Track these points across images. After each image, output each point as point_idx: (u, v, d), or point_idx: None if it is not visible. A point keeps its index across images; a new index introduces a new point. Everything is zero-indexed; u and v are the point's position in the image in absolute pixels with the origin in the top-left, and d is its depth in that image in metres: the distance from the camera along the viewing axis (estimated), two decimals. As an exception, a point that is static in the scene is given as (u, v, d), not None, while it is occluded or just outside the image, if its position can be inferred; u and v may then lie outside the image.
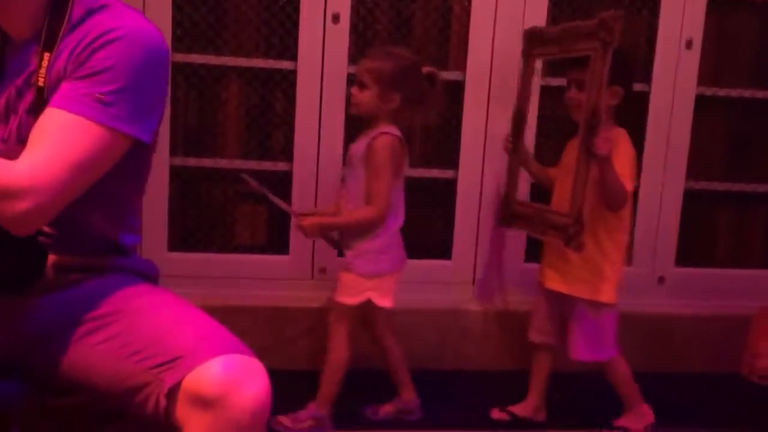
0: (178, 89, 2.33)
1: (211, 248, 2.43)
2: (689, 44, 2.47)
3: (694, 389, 2.46)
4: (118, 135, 1.13)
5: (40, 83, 1.15)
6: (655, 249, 2.58)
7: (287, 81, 2.37)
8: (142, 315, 1.16)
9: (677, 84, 2.50)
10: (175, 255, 2.37)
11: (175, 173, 2.36)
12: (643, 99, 2.50)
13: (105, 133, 1.11)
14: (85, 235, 1.24)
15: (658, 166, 2.54)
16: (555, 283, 2.07)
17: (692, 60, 2.49)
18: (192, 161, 2.38)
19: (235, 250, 2.45)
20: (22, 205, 1.06)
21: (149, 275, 1.33)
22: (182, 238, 2.39)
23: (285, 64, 2.36)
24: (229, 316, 2.27)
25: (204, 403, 1.04)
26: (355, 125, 2.38)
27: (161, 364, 1.09)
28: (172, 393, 1.07)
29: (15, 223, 1.09)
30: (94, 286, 1.23)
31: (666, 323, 2.57)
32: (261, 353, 2.23)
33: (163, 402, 1.07)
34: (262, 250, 2.46)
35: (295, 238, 2.41)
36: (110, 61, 1.11)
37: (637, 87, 2.49)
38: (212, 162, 2.39)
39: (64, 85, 1.12)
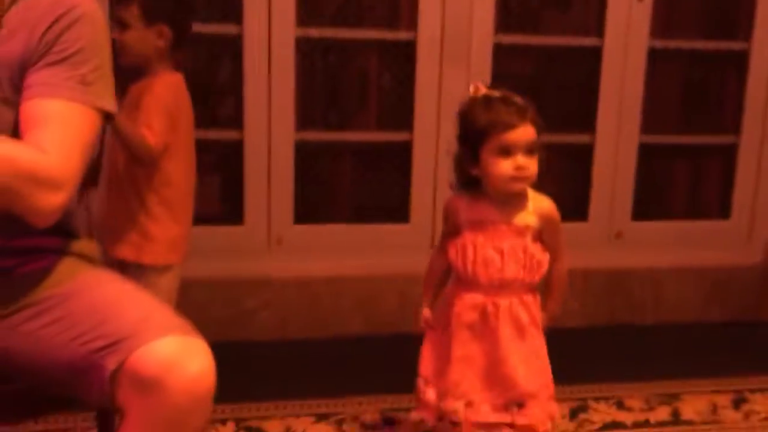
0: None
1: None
2: (641, -4, 2.45)
3: (653, 341, 2.49)
4: (101, 113, 1.15)
5: None
6: (612, 204, 2.59)
7: (233, 46, 2.30)
8: (83, 297, 1.13)
9: (629, 37, 2.48)
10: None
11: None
12: (596, 53, 2.48)
13: (95, 114, 1.14)
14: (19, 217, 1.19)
15: (613, 120, 2.53)
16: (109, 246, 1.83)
17: (644, 12, 2.47)
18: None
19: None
20: (58, 197, 1.08)
21: (90, 256, 1.28)
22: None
23: (230, 29, 2.29)
24: (185, 289, 2.25)
25: (144, 385, 1.02)
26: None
27: (103, 348, 1.06)
28: (115, 377, 1.04)
29: (46, 215, 1.09)
30: (33, 270, 1.18)
31: (624, 277, 2.60)
32: (219, 326, 2.23)
33: (107, 386, 1.05)
34: (217, 221, 2.41)
35: (249, 207, 2.36)
36: (81, 42, 1.12)
37: (590, 41, 2.49)
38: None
39: (43, 72, 1.11)
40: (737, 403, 2.10)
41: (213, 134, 2.34)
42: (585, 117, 2.55)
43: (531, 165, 1.48)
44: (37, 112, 1.10)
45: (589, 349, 2.40)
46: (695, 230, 2.68)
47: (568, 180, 2.59)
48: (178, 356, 1.03)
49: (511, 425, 1.53)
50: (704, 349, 2.46)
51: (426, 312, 1.64)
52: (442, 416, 1.57)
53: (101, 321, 1.08)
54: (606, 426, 1.98)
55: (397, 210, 2.48)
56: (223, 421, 1.91)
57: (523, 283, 1.54)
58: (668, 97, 2.63)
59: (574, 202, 2.58)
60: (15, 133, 1.12)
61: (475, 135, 1.50)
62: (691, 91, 2.65)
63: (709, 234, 2.68)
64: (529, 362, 1.54)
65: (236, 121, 2.34)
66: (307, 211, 2.44)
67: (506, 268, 1.51)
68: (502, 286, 1.52)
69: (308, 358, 2.28)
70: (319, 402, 2.02)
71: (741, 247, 2.69)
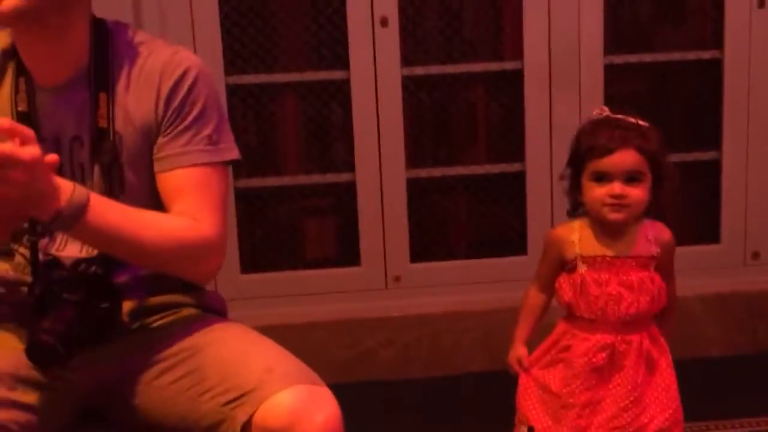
0: (234, 111, 2.33)
1: (284, 266, 2.43)
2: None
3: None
4: (229, 165, 1.24)
5: (102, 124, 1.15)
6: (745, 223, 2.44)
7: (341, 92, 2.34)
8: (212, 351, 1.16)
9: (752, 45, 2.35)
10: (248, 276, 2.38)
11: (241, 195, 2.36)
12: (716, 66, 2.36)
13: (226, 168, 1.23)
14: (155, 276, 1.24)
15: (740, 134, 2.39)
16: None
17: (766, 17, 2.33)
18: (255, 181, 2.38)
19: (307, 265, 2.44)
20: (218, 259, 1.19)
21: (216, 308, 1.32)
22: (253, 259, 2.40)
23: (337, 74, 2.33)
24: (306, 332, 2.29)
25: (273, 437, 1.02)
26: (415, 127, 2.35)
27: (232, 401, 1.09)
28: (245, 429, 1.06)
29: (209, 277, 1.25)
30: (165, 326, 1.23)
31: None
32: (341, 367, 2.24)
33: None
34: (334, 263, 2.44)
35: (365, 247, 2.38)
36: (200, 103, 1.18)
37: (708, 54, 2.37)
38: (276, 180, 2.39)
39: (176, 141, 1.17)
40: None
41: (328, 178, 2.38)
42: (709, 133, 2.42)
43: (632, 193, 1.41)
44: (180, 183, 1.17)
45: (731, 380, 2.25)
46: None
47: (695, 200, 2.46)
48: (305, 406, 1.04)
49: None
50: None
51: (523, 351, 1.55)
52: None
53: (229, 374, 1.11)
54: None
55: (514, 242, 2.43)
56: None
57: (649, 316, 1.46)
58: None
59: (703, 223, 2.44)
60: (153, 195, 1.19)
61: (576, 159, 1.46)
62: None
63: None
64: (660, 399, 1.45)
65: (348, 164, 2.37)
66: (424, 248, 2.43)
67: (638, 303, 1.44)
68: (630, 323, 1.45)
69: (435, 397, 2.25)
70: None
71: None
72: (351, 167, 2.36)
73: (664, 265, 1.49)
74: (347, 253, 2.42)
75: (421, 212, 2.42)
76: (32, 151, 0.93)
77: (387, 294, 2.40)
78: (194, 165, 1.16)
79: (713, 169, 2.42)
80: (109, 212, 1.05)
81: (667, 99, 2.44)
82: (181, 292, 1.27)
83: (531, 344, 1.57)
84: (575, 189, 1.48)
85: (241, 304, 2.02)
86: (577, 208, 1.51)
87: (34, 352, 1.07)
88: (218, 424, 1.09)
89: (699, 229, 2.44)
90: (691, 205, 2.44)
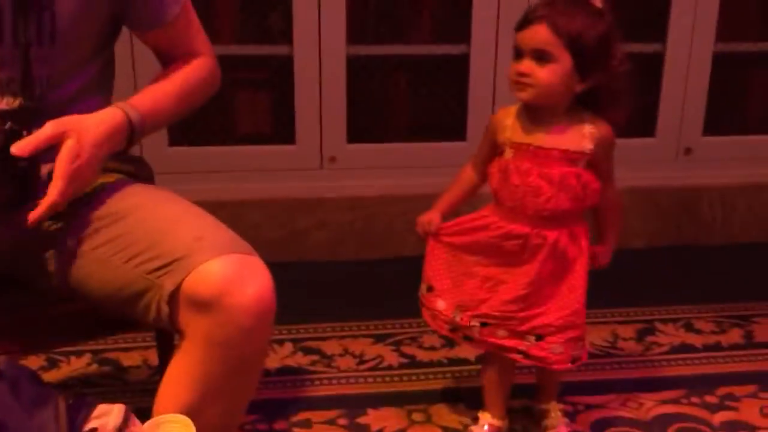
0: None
1: (214, 141, 2.33)
2: None
3: (723, 261, 2.38)
4: None
5: None
6: (682, 118, 2.45)
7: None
8: (139, 216, 1.08)
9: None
10: (177, 150, 2.27)
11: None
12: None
13: None
14: None
15: (686, 28, 2.36)
16: None
17: None
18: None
19: (239, 141, 2.34)
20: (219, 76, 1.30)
21: (144, 176, 1.24)
22: (183, 132, 2.28)
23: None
24: (238, 210, 2.22)
25: (202, 306, 0.98)
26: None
27: (159, 268, 1.02)
28: (173, 298, 1.00)
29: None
30: (89, 190, 1.13)
31: (694, 195, 2.47)
32: (271, 246, 2.20)
33: (164, 308, 1.01)
34: (267, 140, 2.34)
35: (301, 125, 2.29)
36: None
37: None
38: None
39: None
40: (814, 325, 2.01)
41: (263, 50, 2.25)
42: (655, 24, 2.38)
43: (537, 73, 1.32)
44: (169, 35, 1.21)
45: (655, 271, 2.31)
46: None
47: (634, 92, 2.44)
48: (236, 276, 0.98)
49: (525, 354, 1.42)
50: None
51: (435, 216, 1.49)
52: (454, 329, 1.47)
53: (157, 241, 1.04)
54: (675, 349, 1.91)
55: (453, 127, 2.39)
56: (281, 342, 1.89)
57: (572, 214, 1.40)
58: (745, 2, 2.45)
59: (640, 117, 2.44)
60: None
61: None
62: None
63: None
64: (561, 298, 1.41)
65: (286, 35, 2.24)
66: (361, 129, 2.36)
67: (557, 198, 1.37)
68: (549, 218, 1.39)
69: (363, 280, 2.24)
70: (377, 323, 1.99)
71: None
72: (288, 39, 2.24)
73: (599, 164, 1.41)
74: (281, 131, 2.33)
75: (360, 92, 2.33)
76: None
77: (321, 174, 2.34)
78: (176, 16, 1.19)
79: (656, 62, 2.40)
80: (156, 106, 1.14)
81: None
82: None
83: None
84: None
85: (169, 178, 1.87)
86: None
87: None
88: (143, 293, 1.03)
89: (636, 122, 2.44)
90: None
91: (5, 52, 1.05)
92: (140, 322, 1.09)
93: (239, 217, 2.14)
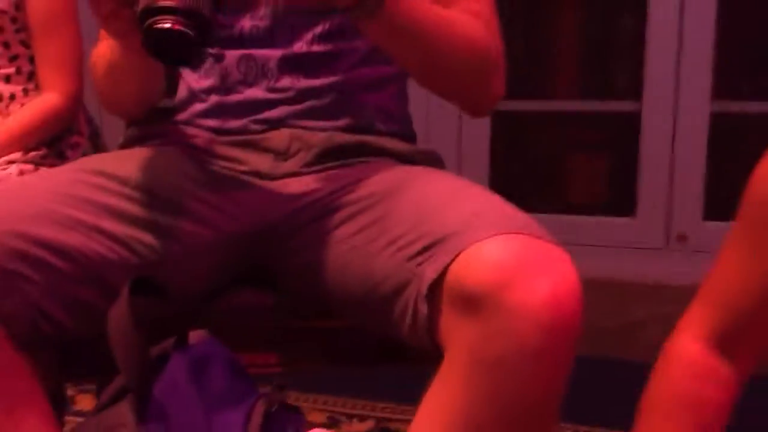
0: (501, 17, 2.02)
1: (540, 207, 2.07)
2: None
3: None
4: None
5: None
6: None
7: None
8: (405, 195, 0.82)
9: None
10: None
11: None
12: None
13: None
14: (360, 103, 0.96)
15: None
16: None
17: None
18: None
19: (568, 209, 2.07)
20: (502, 83, 0.93)
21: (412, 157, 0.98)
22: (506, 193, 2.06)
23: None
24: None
25: (470, 304, 0.66)
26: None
27: (421, 252, 0.73)
28: (434, 292, 0.70)
29: (491, 104, 0.94)
30: (355, 170, 0.92)
31: None
32: (599, 338, 1.84)
33: (422, 308, 0.71)
34: (603, 210, 2.03)
35: (643, 195, 1.93)
36: None
37: None
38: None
39: None
40: None
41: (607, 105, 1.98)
42: None
43: None
44: None
45: None
46: None
47: None
48: (523, 264, 0.65)
49: None
50: None
51: None
52: None
53: (423, 219, 0.76)
54: None
55: None
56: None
57: None
58: None
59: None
60: None
61: None
62: None
63: None
64: None
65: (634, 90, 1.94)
66: (721, 202, 1.93)
67: None
68: None
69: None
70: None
71: None
72: (637, 95, 1.93)
73: None
74: (619, 200, 2.00)
75: (724, 157, 1.91)
76: None
77: (666, 255, 1.94)
78: None
79: None
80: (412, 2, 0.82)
81: None
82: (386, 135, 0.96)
83: None
84: None
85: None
86: None
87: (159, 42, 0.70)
88: (401, 288, 0.74)
89: None
90: None
91: None
92: (403, 341, 0.80)
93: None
